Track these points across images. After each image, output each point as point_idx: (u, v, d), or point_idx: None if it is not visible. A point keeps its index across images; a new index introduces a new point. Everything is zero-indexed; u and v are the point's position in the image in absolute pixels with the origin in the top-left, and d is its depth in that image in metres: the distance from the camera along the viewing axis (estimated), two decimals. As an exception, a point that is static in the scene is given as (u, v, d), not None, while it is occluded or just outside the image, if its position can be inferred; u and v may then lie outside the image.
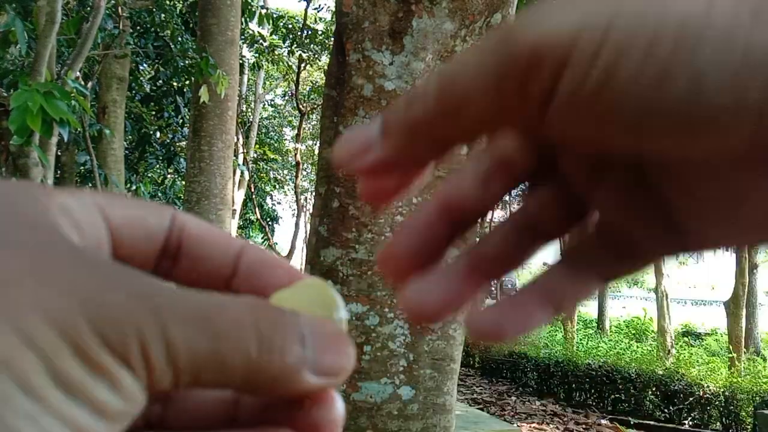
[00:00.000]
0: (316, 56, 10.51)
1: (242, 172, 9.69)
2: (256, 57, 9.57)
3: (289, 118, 16.99)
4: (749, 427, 5.77)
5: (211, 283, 0.22)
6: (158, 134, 7.65)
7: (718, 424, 6.05)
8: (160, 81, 6.93)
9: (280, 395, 0.19)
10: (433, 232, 0.23)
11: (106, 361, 0.14)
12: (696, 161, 0.18)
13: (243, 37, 8.21)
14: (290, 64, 10.92)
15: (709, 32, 0.16)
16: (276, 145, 15.27)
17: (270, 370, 0.17)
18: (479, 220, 0.24)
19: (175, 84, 6.91)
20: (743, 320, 8.96)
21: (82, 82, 4.53)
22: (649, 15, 0.16)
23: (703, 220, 0.20)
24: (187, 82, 6.27)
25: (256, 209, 11.58)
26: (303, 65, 10.40)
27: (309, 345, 0.18)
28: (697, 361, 7.26)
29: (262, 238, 13.81)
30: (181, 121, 7.34)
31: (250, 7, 7.16)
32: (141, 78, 7.15)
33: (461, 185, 0.23)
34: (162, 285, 0.16)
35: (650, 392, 6.52)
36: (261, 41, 9.32)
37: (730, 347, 8.23)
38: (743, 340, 8.90)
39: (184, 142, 7.39)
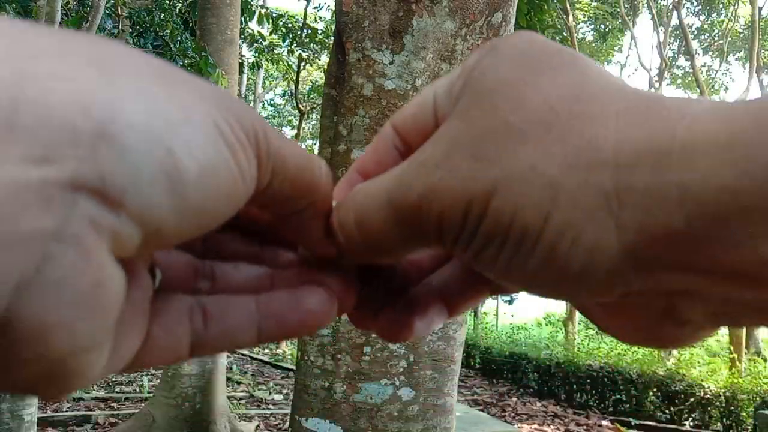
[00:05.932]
0: (316, 55, 10.49)
1: (242, 172, 9.64)
2: (255, 56, 9.58)
3: (289, 118, 17.00)
4: (750, 427, 5.76)
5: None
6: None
7: (719, 424, 6.05)
8: (160, 81, 6.92)
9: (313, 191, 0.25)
10: None
11: (242, 137, 0.20)
12: None
13: (242, 36, 8.21)
14: (290, 63, 10.91)
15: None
16: (276, 145, 15.19)
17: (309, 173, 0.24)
18: None
19: (174, 84, 6.90)
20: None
21: (82, 82, 4.50)
22: (510, 197, 0.20)
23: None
24: (187, 82, 6.25)
25: (256, 209, 11.54)
26: (303, 64, 10.37)
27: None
28: (698, 362, 7.24)
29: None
30: (180, 120, 7.33)
31: (249, 7, 7.16)
32: (141, 78, 7.12)
33: None
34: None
35: (651, 393, 6.51)
36: (260, 40, 9.32)
37: (731, 348, 8.21)
38: (744, 340, 8.90)
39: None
